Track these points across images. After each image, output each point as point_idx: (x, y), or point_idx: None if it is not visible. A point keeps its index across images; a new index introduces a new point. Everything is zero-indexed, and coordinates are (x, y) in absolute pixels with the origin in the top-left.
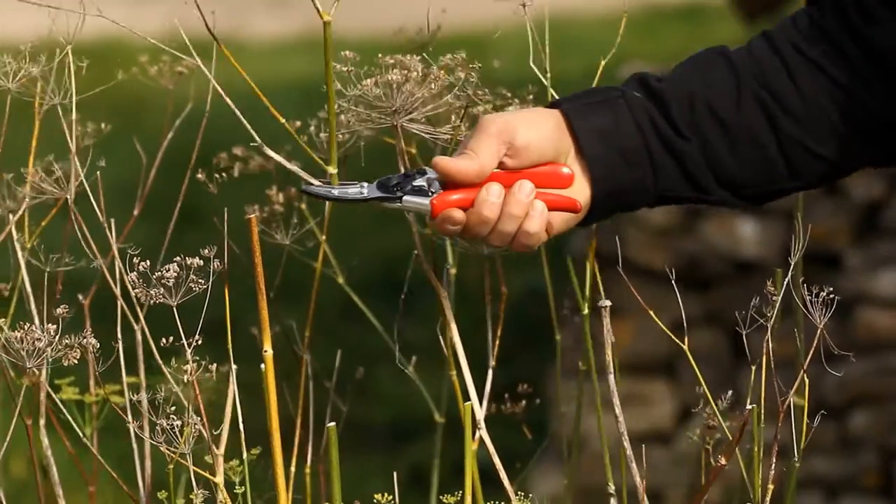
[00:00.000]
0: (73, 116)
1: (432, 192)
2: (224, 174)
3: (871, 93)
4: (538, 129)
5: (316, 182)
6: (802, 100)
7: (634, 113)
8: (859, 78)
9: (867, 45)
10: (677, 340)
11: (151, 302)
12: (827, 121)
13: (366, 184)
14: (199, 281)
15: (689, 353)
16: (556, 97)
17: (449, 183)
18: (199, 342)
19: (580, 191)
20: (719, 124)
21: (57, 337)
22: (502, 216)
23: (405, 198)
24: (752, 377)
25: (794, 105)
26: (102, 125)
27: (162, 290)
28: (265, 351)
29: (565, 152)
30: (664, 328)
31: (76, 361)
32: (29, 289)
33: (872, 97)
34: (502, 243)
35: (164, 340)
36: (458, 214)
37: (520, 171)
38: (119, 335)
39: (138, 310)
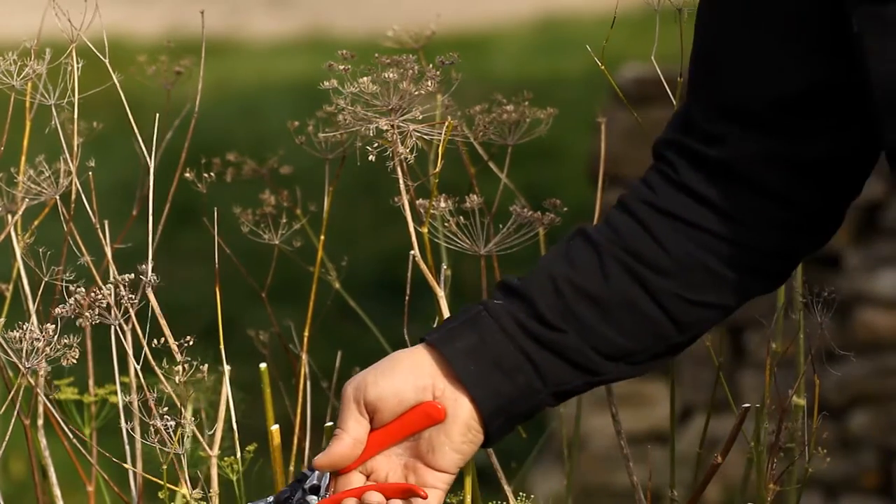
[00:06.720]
0: (75, 116)
1: (327, 488)
2: (213, 175)
3: (747, 228)
4: (389, 378)
5: None
6: (668, 254)
7: (499, 321)
8: (728, 218)
9: (721, 176)
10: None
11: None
12: (703, 269)
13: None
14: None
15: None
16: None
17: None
18: (194, 343)
19: (456, 417)
20: (591, 300)
21: (56, 337)
22: None
23: None
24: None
25: (661, 261)
26: (95, 124)
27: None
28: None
29: (430, 387)
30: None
31: (75, 361)
32: (28, 289)
33: (750, 232)
34: None
35: (155, 342)
36: None
37: (393, 425)
38: (118, 335)
39: (130, 311)
